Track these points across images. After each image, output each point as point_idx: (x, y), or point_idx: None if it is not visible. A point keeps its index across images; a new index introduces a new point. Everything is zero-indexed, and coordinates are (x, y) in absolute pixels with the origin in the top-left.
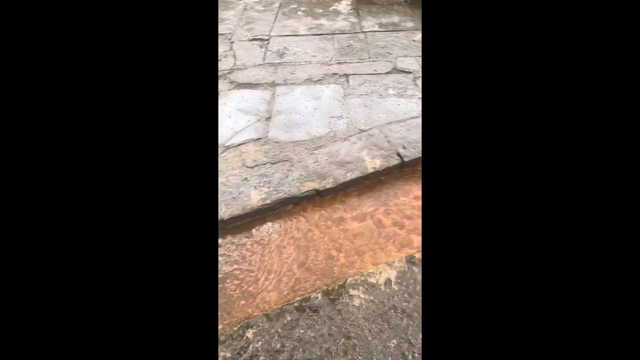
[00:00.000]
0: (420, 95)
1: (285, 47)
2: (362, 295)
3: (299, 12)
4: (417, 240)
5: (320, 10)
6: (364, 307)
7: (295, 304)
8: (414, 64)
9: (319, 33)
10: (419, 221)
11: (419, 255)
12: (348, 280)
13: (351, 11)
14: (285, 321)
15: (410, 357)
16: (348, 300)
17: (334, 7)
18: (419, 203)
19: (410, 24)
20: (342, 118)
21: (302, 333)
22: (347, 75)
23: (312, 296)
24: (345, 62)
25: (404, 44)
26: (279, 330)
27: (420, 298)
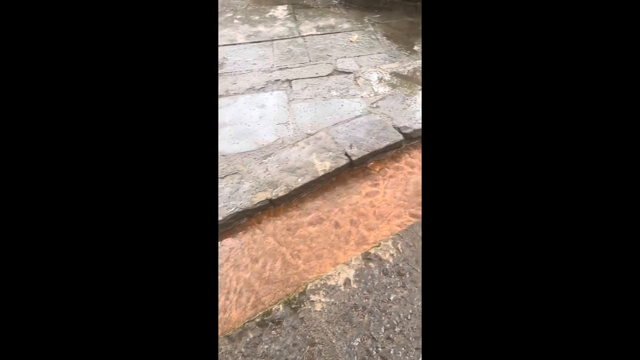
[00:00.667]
0: (362, 94)
1: (224, 57)
2: (323, 299)
3: (235, 21)
4: (372, 235)
5: (257, 18)
6: (326, 310)
7: (257, 320)
8: (353, 64)
9: (258, 40)
10: (373, 217)
11: (373, 251)
12: (308, 286)
13: (288, 16)
14: (247, 339)
15: (375, 352)
16: (310, 307)
17: (270, 14)
18: (371, 200)
19: (346, 25)
20: (289, 124)
21: (267, 348)
22: (289, 81)
23: (273, 309)
24: (287, 68)
25: (342, 46)
26: (242, 349)
27: (379, 292)
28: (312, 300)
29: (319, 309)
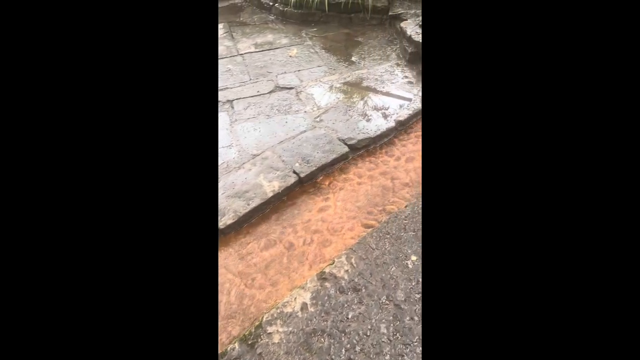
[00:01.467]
0: (306, 109)
1: None
2: (280, 329)
3: None
4: (328, 252)
5: None
6: (284, 341)
7: None
8: (295, 79)
9: None
10: (326, 233)
11: (328, 269)
12: (264, 318)
13: (225, 34)
14: None
15: None
16: (267, 340)
17: None
18: (323, 215)
19: (285, 41)
20: (232, 146)
21: None
22: (230, 101)
23: (229, 348)
24: (227, 88)
25: (282, 61)
26: None
27: (337, 312)
28: (269, 332)
29: (277, 341)
